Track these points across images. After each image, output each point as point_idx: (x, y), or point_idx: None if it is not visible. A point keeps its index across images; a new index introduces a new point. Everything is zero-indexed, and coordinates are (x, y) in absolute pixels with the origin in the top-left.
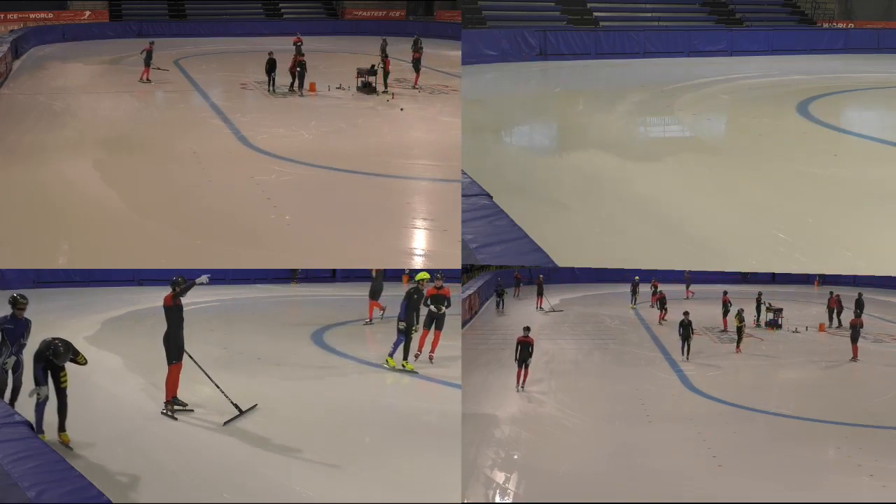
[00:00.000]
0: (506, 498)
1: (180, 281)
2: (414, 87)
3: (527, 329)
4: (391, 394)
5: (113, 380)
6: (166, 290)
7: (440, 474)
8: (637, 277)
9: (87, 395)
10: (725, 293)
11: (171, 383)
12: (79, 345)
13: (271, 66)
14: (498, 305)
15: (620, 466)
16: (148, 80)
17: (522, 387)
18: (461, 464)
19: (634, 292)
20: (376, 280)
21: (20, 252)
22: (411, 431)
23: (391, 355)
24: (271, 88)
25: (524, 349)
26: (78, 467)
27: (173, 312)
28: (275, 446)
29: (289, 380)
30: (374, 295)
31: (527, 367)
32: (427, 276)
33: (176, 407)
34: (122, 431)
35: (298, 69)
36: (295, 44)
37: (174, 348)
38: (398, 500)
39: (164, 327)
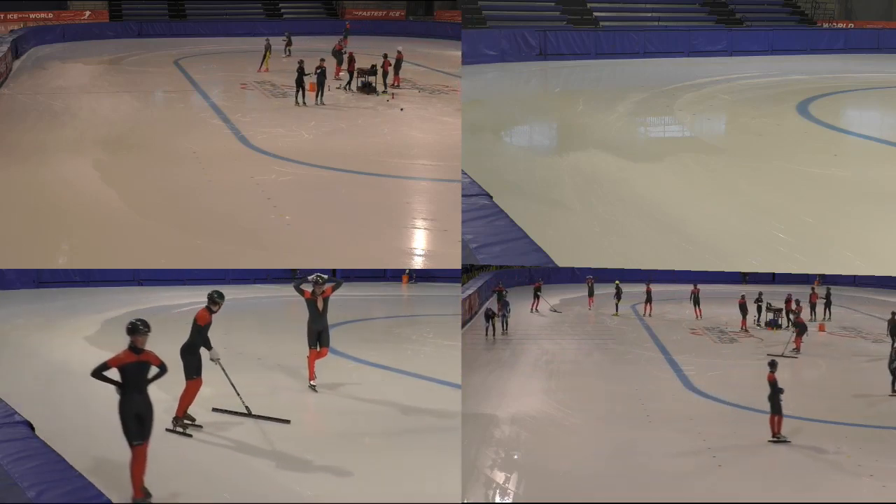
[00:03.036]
0: (506, 498)
1: (216, 297)
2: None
3: (772, 364)
4: (391, 394)
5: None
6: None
7: (440, 474)
8: (617, 281)
9: (87, 395)
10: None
11: (187, 399)
12: (79, 345)
13: (301, 76)
14: (488, 332)
15: (620, 466)
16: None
17: (779, 436)
18: (461, 464)
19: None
20: (321, 315)
21: (20, 252)
22: (411, 431)
23: None
24: (301, 100)
25: (777, 390)
26: (78, 467)
27: (206, 329)
28: (275, 446)
29: (289, 380)
30: (319, 339)
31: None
32: None
33: (185, 422)
34: (121, 431)
35: (318, 73)
36: (338, 50)
37: (196, 364)
38: (398, 500)
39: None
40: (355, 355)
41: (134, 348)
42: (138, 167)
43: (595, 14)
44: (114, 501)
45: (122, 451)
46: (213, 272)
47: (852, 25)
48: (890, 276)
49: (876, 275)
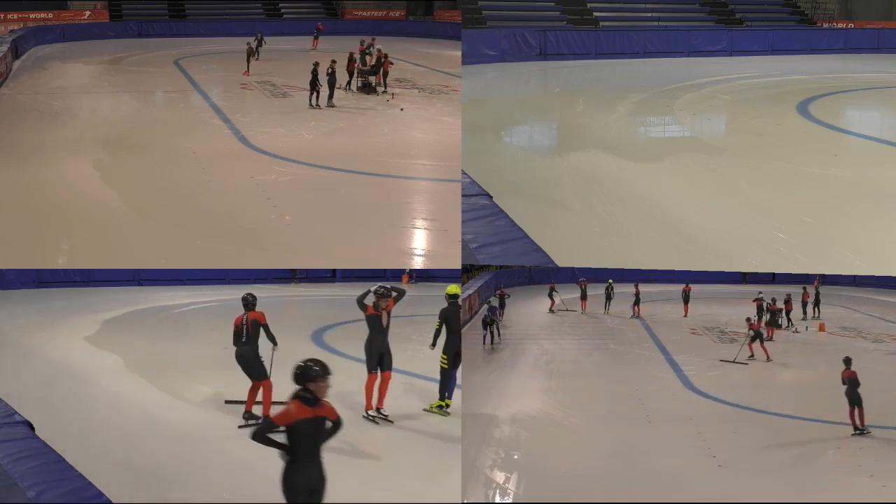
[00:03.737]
0: (506, 498)
1: (252, 300)
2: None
3: (847, 361)
4: (391, 394)
5: (113, 380)
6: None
7: (440, 474)
8: (611, 280)
9: (87, 395)
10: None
11: (268, 399)
12: (78, 345)
13: (315, 78)
14: (486, 339)
15: (620, 466)
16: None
17: (862, 428)
18: (461, 464)
19: (608, 297)
20: (384, 334)
21: (20, 252)
22: (411, 431)
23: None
24: (315, 102)
25: (853, 386)
26: (78, 467)
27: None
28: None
29: (289, 380)
30: (381, 362)
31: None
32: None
33: (250, 422)
34: (122, 431)
35: (329, 74)
36: (362, 51)
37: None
38: (398, 500)
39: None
40: (355, 355)
41: (308, 399)
42: (138, 167)
43: (595, 14)
44: (114, 502)
45: (122, 450)
46: (213, 272)
47: (852, 25)
48: (890, 276)
49: (876, 275)
